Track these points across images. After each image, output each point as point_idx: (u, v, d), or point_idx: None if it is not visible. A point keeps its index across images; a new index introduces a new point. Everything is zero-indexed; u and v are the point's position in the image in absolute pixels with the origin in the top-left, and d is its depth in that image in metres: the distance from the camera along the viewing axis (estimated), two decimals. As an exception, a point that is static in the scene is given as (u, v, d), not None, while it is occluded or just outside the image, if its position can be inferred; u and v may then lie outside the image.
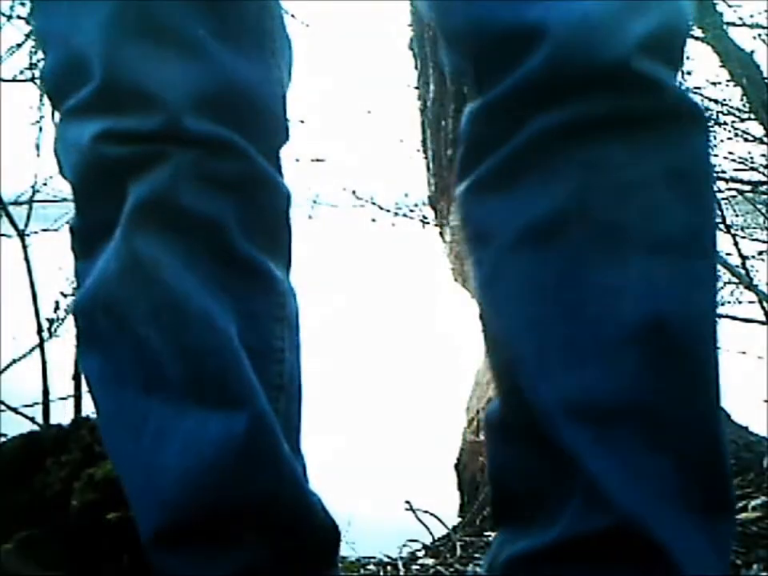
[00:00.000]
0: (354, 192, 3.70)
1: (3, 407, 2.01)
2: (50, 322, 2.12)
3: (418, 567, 1.61)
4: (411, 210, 3.57)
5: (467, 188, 0.73)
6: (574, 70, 0.66)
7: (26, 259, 2.10)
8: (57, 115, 0.83)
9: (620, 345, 0.67)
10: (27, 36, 2.38)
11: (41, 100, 2.40)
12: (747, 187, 3.17)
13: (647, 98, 0.67)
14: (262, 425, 0.79)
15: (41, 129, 2.41)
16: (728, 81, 2.84)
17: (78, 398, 2.10)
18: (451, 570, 1.55)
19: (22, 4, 2.38)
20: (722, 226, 2.67)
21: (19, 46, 2.37)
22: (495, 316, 0.72)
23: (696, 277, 0.69)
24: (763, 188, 3.23)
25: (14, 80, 2.34)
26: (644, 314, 0.67)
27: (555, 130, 0.67)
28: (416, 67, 2.18)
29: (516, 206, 0.69)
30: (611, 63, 0.65)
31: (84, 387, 2.13)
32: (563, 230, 0.68)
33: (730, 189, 3.12)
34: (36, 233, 2.17)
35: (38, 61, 2.38)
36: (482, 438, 2.20)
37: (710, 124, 0.68)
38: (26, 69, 2.39)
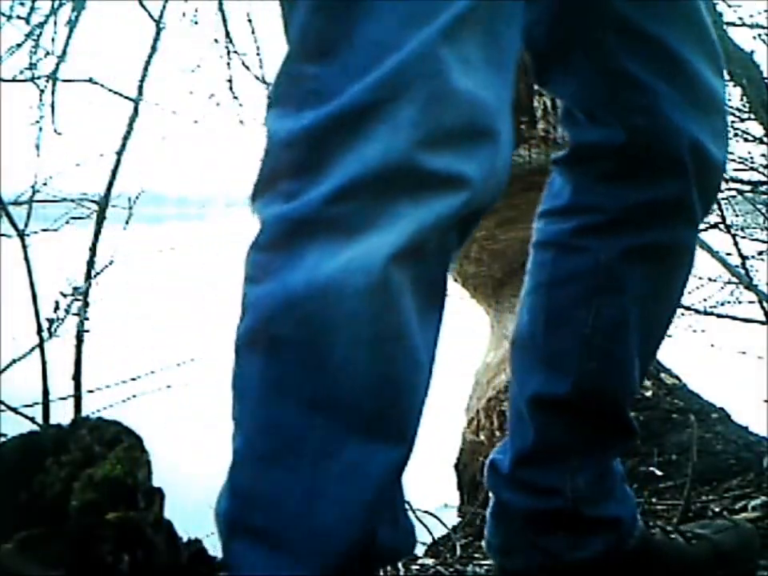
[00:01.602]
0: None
1: (3, 407, 2.00)
2: (50, 321, 2.11)
3: (417, 567, 1.61)
4: (411, 210, 3.57)
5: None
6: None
7: (26, 259, 2.10)
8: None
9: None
10: (27, 36, 2.39)
11: (41, 100, 2.41)
12: (747, 187, 3.17)
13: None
14: (407, 459, 0.81)
15: (41, 129, 2.41)
16: (728, 81, 2.84)
17: (77, 398, 2.10)
18: (451, 570, 1.55)
19: (22, 4, 2.38)
20: (721, 226, 2.67)
21: (19, 45, 2.38)
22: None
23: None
24: (763, 188, 3.23)
25: (13, 80, 2.35)
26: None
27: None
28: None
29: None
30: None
31: (84, 387, 2.13)
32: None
33: (729, 189, 3.12)
34: (36, 233, 2.16)
35: (38, 60, 2.38)
36: (482, 437, 2.20)
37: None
38: (26, 69, 2.40)
